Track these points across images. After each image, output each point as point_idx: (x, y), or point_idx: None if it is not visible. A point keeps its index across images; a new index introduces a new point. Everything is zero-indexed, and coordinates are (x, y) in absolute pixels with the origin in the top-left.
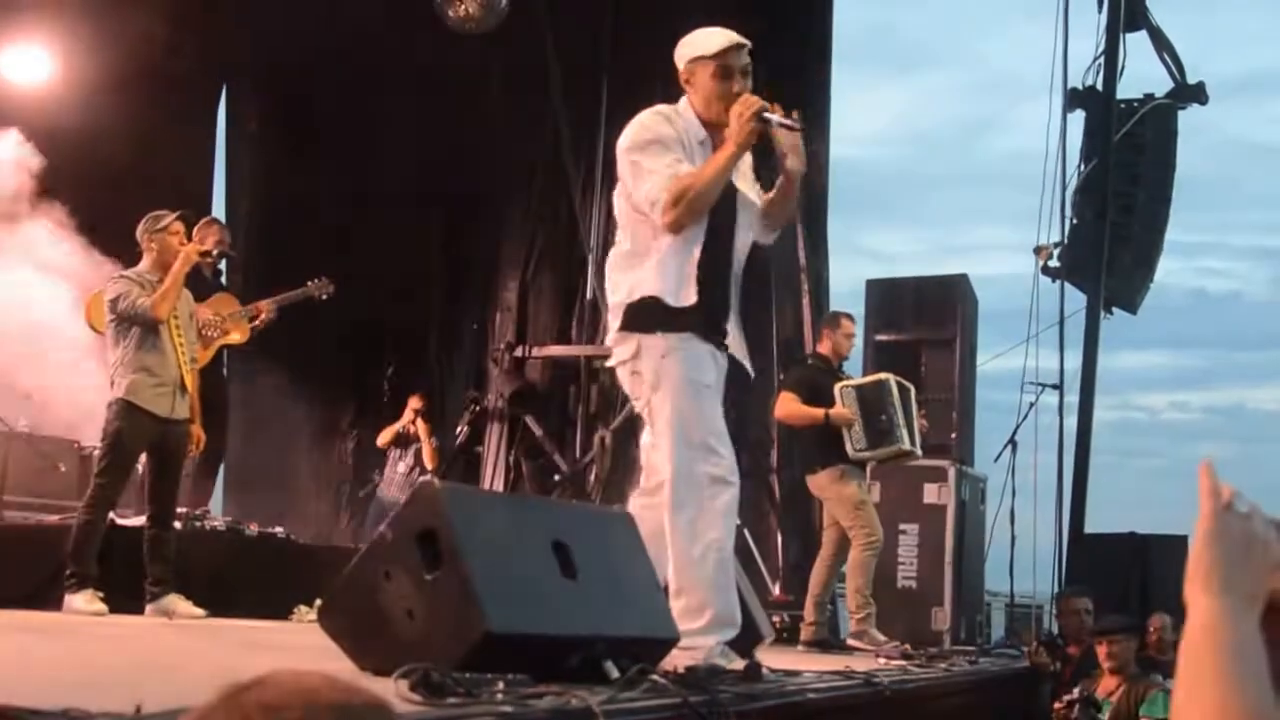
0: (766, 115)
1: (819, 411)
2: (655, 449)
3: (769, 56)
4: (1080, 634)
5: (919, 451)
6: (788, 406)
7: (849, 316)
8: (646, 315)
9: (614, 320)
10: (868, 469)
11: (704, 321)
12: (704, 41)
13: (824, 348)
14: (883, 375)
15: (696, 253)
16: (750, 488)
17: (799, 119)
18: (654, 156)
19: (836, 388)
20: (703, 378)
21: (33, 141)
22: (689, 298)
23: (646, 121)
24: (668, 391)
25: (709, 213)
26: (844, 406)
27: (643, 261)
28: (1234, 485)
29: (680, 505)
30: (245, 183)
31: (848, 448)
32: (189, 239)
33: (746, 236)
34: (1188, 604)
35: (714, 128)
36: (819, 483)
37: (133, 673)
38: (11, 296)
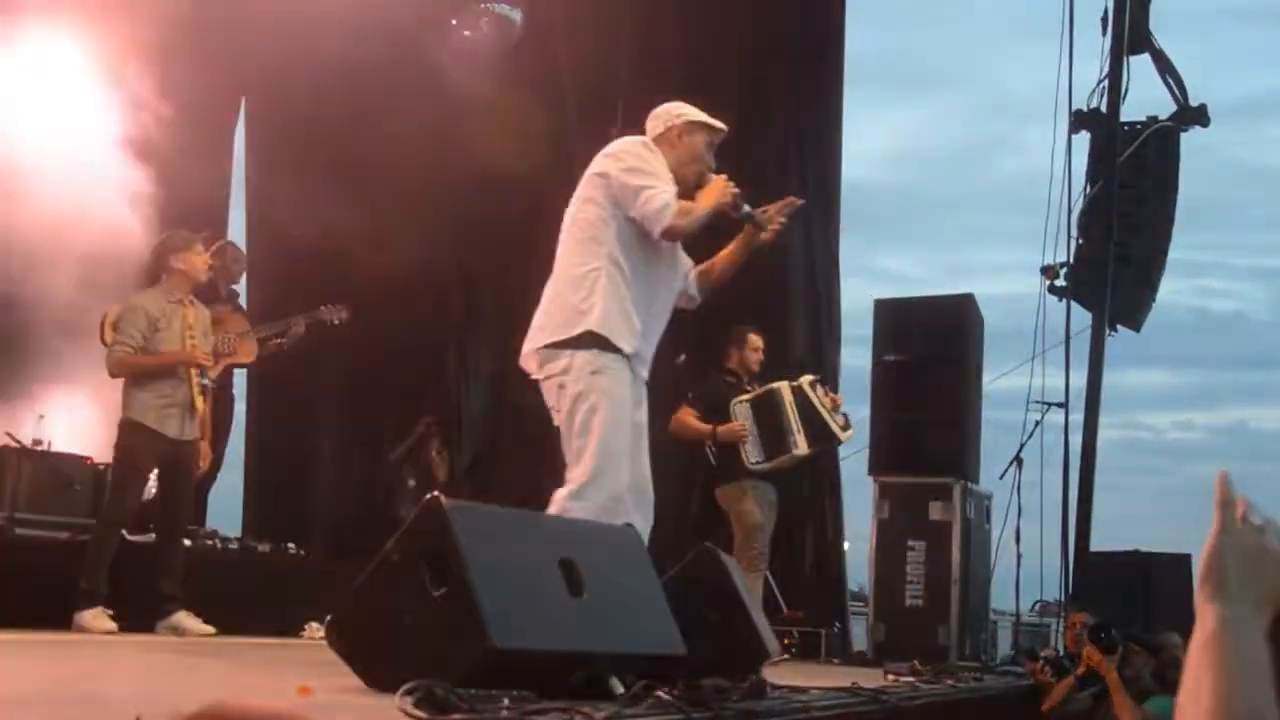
0: (741, 203)
1: (706, 427)
2: (577, 456)
3: (783, 77)
4: (1078, 647)
5: (822, 447)
6: (681, 421)
7: (756, 331)
8: (587, 339)
9: (543, 335)
10: (778, 485)
11: (634, 357)
12: (703, 115)
13: (733, 363)
14: (775, 384)
15: (635, 294)
16: None
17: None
18: (659, 170)
19: (732, 404)
20: (627, 398)
21: (44, 160)
22: (629, 341)
23: (648, 144)
24: (597, 403)
25: (656, 263)
26: (738, 421)
27: (588, 290)
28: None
29: (578, 497)
30: (263, 201)
31: (744, 461)
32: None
33: (677, 289)
34: (1197, 611)
35: (676, 182)
36: (723, 496)
37: (139, 690)
38: None
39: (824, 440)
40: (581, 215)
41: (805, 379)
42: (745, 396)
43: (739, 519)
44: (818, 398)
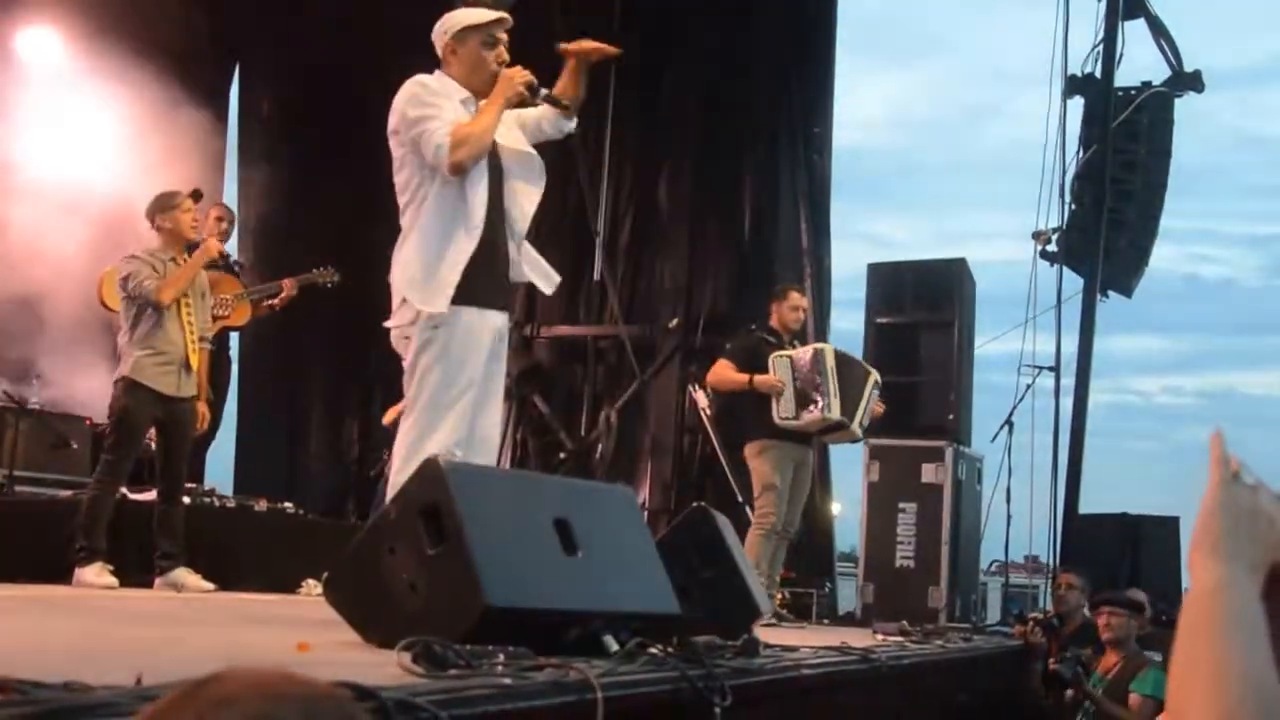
0: (537, 86)
1: (744, 377)
2: (410, 405)
3: (775, 43)
4: (1064, 608)
5: (858, 430)
6: (718, 373)
7: (798, 289)
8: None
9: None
10: (812, 446)
11: (478, 291)
12: (470, 15)
13: (773, 321)
14: (821, 345)
15: (471, 244)
16: None
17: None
18: (434, 108)
19: (771, 357)
20: (469, 345)
21: (44, 121)
22: (454, 277)
23: (422, 80)
24: (432, 357)
25: (481, 191)
26: (776, 374)
27: (420, 240)
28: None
29: (409, 459)
30: (256, 164)
31: (774, 415)
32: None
33: (527, 189)
34: (1191, 571)
35: (474, 94)
36: (746, 453)
37: (139, 645)
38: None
39: (850, 415)
40: (399, 180)
41: (875, 374)
42: (788, 352)
43: (754, 476)
44: (869, 389)
